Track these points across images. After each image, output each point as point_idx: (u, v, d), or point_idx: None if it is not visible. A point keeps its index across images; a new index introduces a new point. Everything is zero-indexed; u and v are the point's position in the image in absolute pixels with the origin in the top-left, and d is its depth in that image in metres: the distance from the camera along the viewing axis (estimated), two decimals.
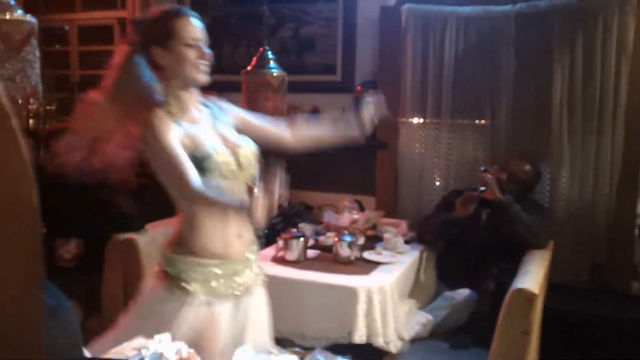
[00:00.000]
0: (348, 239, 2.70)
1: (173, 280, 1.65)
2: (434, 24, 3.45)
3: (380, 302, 2.33)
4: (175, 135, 1.58)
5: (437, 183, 3.57)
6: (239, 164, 1.68)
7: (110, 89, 1.59)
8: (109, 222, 2.79)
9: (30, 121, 4.55)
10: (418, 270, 2.92)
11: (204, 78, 1.66)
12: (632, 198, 3.12)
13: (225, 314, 1.69)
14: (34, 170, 0.66)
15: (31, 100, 2.25)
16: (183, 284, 1.64)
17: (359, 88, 3.73)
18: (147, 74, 1.59)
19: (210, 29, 4.56)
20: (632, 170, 3.10)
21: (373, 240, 2.97)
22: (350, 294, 2.31)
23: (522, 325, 1.95)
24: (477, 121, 3.46)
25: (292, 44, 3.94)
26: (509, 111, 3.35)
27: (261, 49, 2.97)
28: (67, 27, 4.64)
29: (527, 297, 1.95)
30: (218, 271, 1.67)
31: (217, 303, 1.67)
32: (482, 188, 2.81)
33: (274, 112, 3.07)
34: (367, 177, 3.72)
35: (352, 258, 2.66)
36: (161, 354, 1.52)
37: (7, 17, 2.19)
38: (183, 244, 1.68)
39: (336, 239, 2.72)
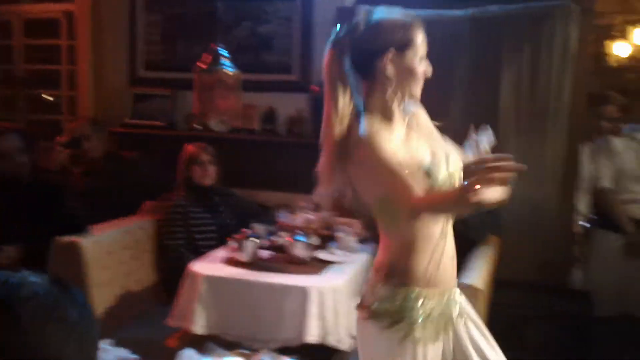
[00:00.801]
0: (302, 239, 2.68)
1: (394, 318, 1.48)
2: None
3: (333, 302, 2.33)
4: (393, 148, 1.46)
5: None
6: (450, 174, 1.53)
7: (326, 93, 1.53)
8: (52, 225, 2.68)
9: None
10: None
11: (419, 93, 1.58)
12: (573, 195, 3.24)
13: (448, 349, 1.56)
14: None
15: None
16: (408, 321, 1.48)
17: (315, 88, 3.72)
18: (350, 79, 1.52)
19: (164, 25, 4.46)
20: (573, 169, 3.21)
21: (327, 240, 2.95)
22: (302, 294, 2.30)
23: None
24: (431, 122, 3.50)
25: (249, 42, 3.89)
26: (462, 113, 3.41)
27: (213, 46, 2.92)
28: (11, 20, 4.45)
29: (471, 292, 1.99)
30: (438, 301, 1.52)
31: (441, 338, 1.53)
32: None
33: (228, 111, 3.02)
34: None
35: (306, 258, 2.65)
36: None
37: None
38: (398, 274, 1.51)
39: (289, 239, 2.70)
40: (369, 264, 2.89)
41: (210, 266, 2.54)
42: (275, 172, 3.78)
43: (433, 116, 3.66)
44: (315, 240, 2.86)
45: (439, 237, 1.52)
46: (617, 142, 2.91)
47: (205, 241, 2.97)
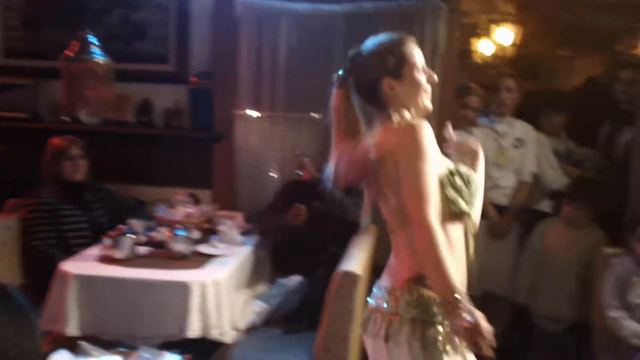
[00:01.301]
0: (181, 233, 2.64)
1: (427, 324, 1.43)
2: (267, 18, 3.49)
3: (215, 295, 2.31)
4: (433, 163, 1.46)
5: (274, 175, 3.63)
6: (472, 199, 1.55)
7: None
8: None
9: None
10: (255, 260, 2.93)
11: (431, 104, 1.57)
12: None
13: None
14: None
15: None
16: (443, 329, 1.43)
17: (194, 79, 3.64)
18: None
19: (25, 9, 4.14)
20: None
21: (209, 234, 2.92)
22: (182, 289, 2.26)
23: (347, 305, 2.06)
24: (310, 114, 3.56)
25: (121, 30, 3.71)
26: None
27: (81, 33, 2.77)
28: None
29: (351, 278, 2.07)
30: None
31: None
32: (299, 172, 2.95)
33: (98, 103, 2.89)
34: (203, 170, 3.66)
35: (187, 253, 2.60)
36: None
37: None
38: (424, 281, 1.44)
39: (169, 234, 2.64)
40: (252, 256, 2.90)
41: (81, 265, 2.42)
42: (152, 166, 3.66)
43: (310, 109, 3.72)
44: (196, 234, 2.82)
45: (461, 247, 1.52)
46: (477, 133, 3.15)
47: (78, 239, 2.82)
